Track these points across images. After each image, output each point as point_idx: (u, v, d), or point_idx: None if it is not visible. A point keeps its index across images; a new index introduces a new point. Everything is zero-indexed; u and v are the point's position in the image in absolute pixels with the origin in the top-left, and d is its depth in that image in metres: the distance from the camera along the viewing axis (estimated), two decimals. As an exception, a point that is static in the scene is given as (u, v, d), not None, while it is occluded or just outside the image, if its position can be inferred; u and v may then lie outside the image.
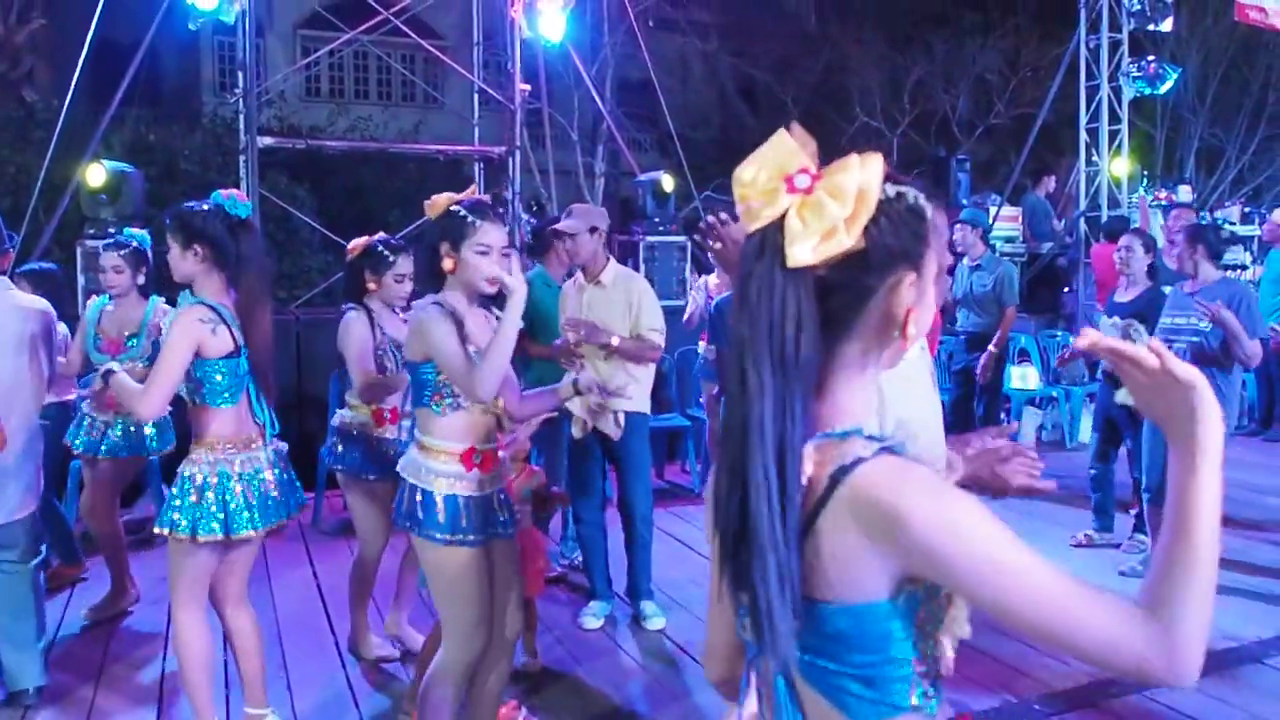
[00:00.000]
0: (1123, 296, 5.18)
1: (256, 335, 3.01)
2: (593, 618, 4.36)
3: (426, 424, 2.73)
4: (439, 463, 2.70)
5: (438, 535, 2.66)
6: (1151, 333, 4.66)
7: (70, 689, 3.76)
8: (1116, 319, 4.97)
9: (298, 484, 3.23)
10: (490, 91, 9.23)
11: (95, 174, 6.43)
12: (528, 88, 8.84)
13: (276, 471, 3.10)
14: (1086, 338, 1.12)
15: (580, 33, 10.78)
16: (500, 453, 2.86)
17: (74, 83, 7.21)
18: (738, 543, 1.11)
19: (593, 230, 4.32)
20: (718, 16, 18.25)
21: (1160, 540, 1.07)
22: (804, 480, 1.10)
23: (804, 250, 1.07)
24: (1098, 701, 3.55)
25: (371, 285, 3.85)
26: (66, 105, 7.38)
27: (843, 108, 17.06)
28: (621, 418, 4.31)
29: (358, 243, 3.91)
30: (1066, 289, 10.86)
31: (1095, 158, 10.93)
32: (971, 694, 3.56)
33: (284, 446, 3.21)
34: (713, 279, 6.32)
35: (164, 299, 4.59)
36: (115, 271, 4.45)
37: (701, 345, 6.13)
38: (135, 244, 4.54)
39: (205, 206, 3.00)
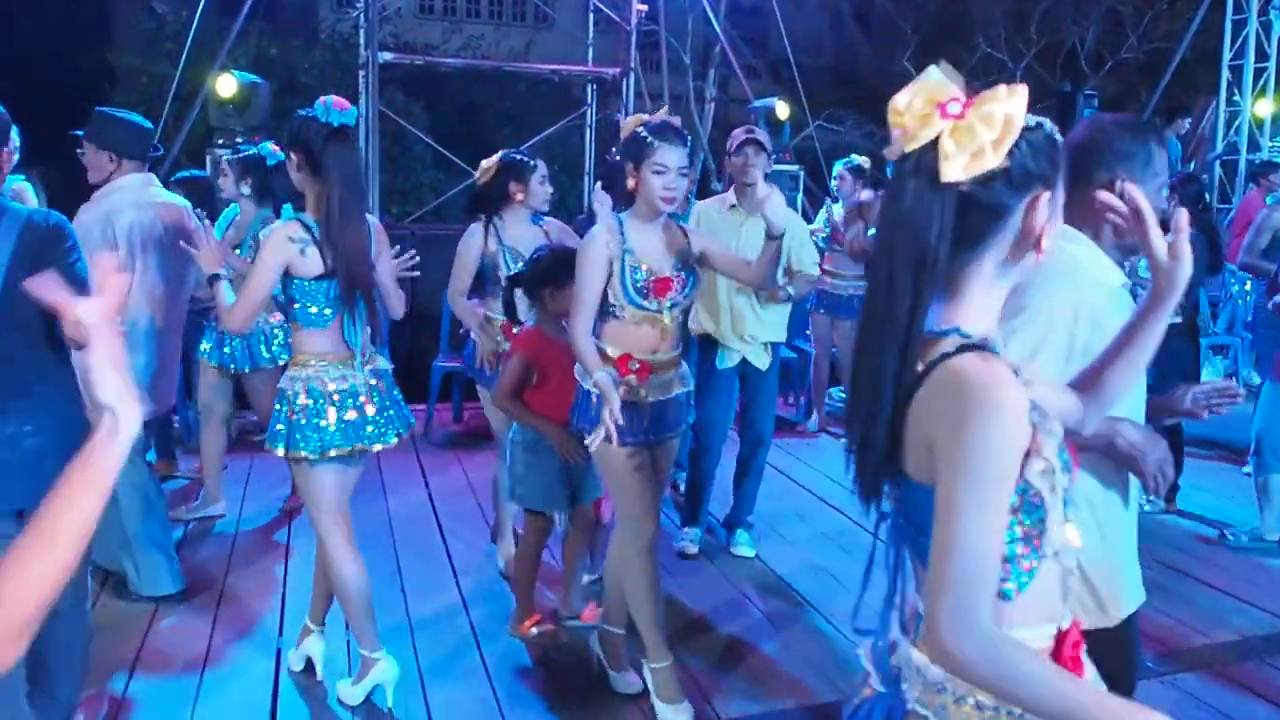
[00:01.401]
0: None
1: (337, 256, 2.82)
2: (692, 543, 4.39)
3: (598, 328, 2.96)
4: (602, 366, 2.87)
5: (589, 429, 2.82)
6: None
7: (194, 592, 3.86)
8: None
9: (403, 407, 3.07)
10: (606, 10, 9.11)
11: (226, 85, 6.57)
12: (644, 8, 8.70)
13: (375, 395, 2.96)
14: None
15: (697, -48, 10.55)
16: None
17: (205, -6, 7.36)
18: (864, 417, 1.32)
19: (770, 154, 4.31)
20: (837, -61, 17.64)
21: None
22: (920, 367, 1.28)
23: (955, 168, 1.24)
24: (1213, 664, 3.48)
25: (519, 195, 3.90)
26: (197, 18, 7.54)
27: (964, 37, 16.37)
28: (770, 348, 4.35)
29: (489, 162, 3.94)
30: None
31: (1236, 97, 10.32)
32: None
33: (385, 367, 3.04)
34: (838, 208, 6.27)
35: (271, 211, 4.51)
36: (222, 176, 4.62)
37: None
38: (242, 153, 4.66)
39: (305, 112, 2.88)
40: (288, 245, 2.80)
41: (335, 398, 2.88)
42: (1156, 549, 4.40)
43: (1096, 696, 1.20)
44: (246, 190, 4.55)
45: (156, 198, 3.85)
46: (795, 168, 7.97)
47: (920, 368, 1.27)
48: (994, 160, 1.24)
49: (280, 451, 2.89)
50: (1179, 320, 4.91)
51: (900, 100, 1.28)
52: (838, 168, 6.35)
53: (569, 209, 9.09)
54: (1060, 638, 1.34)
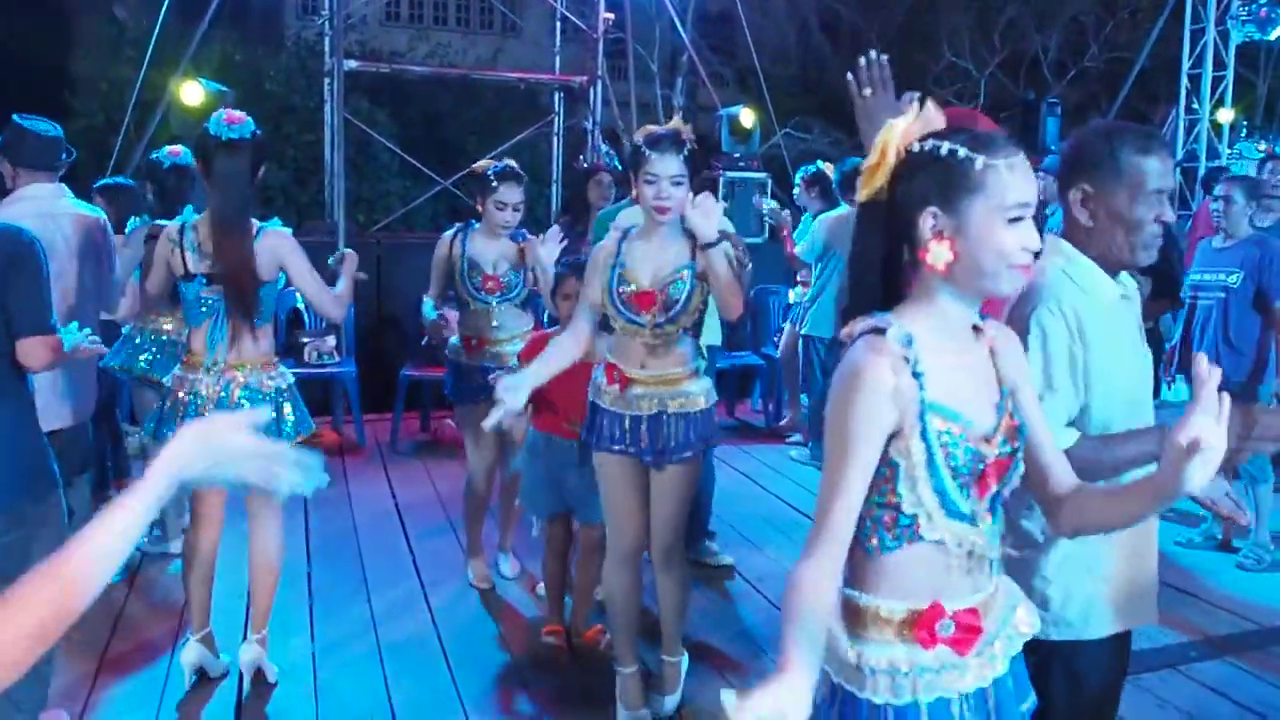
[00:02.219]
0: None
1: (220, 260, 2.98)
2: (717, 553, 4.34)
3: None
4: (599, 372, 2.96)
5: (586, 434, 2.96)
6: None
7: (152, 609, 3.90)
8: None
9: (278, 418, 3.08)
10: (573, 19, 9.12)
11: (192, 93, 6.47)
12: (611, 16, 8.71)
13: (222, 407, 2.97)
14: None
15: (664, -39, 10.57)
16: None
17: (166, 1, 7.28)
18: None
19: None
20: (804, -52, 17.75)
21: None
22: (844, 337, 1.47)
23: (859, 190, 1.48)
24: (1176, 664, 3.51)
25: (478, 206, 3.87)
26: (159, 24, 7.45)
27: (930, 47, 16.56)
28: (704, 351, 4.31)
29: (481, 164, 3.93)
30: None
31: (1195, 105, 10.49)
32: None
33: (248, 381, 3.05)
34: (834, 215, 5.92)
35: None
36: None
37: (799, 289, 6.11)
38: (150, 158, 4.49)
39: (205, 126, 3.03)
40: (164, 243, 3.08)
41: (198, 401, 3.02)
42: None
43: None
44: (150, 196, 4.40)
45: (68, 209, 3.62)
46: (763, 175, 7.99)
47: (848, 343, 1.45)
48: (878, 182, 1.45)
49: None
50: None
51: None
52: (798, 176, 6.27)
53: (537, 218, 9.07)
54: (918, 616, 1.45)
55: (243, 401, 3.02)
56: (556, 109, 9.28)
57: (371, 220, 10.79)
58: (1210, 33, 10.25)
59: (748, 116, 8.11)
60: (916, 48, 16.49)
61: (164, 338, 4.24)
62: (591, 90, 8.69)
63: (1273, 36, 10.39)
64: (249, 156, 3.02)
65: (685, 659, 3.23)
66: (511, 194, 3.78)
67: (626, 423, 2.89)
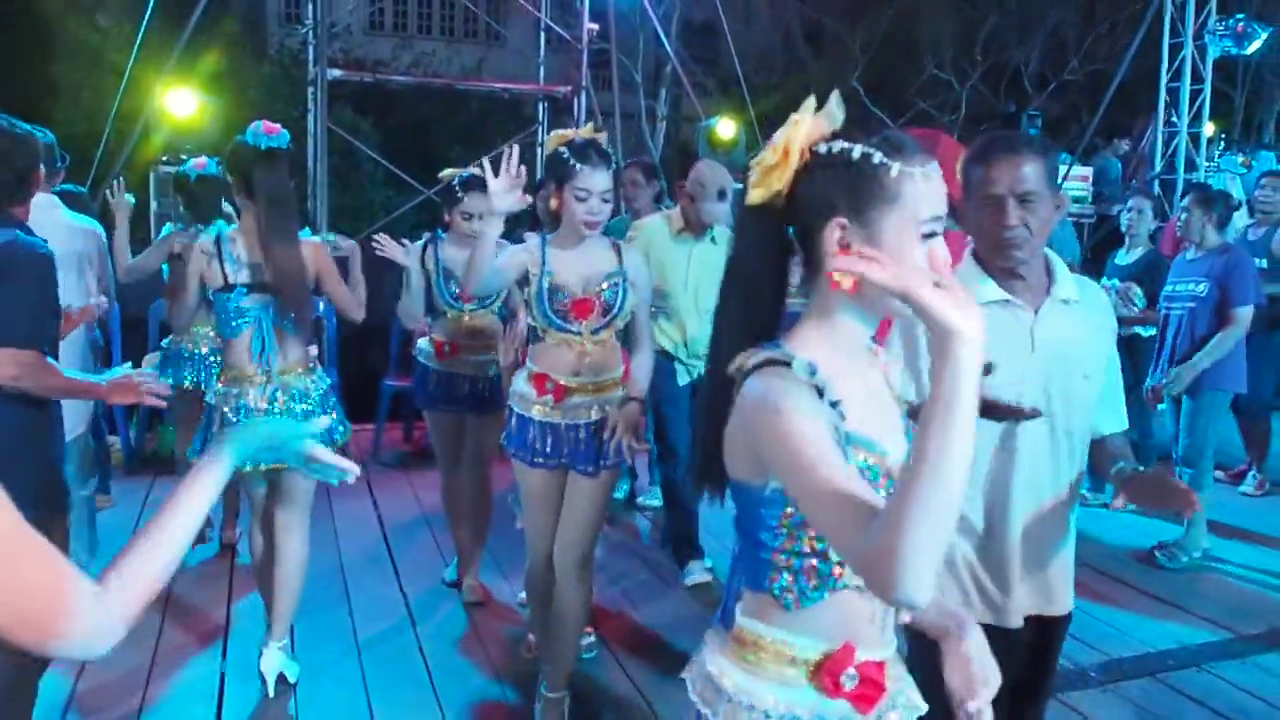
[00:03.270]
0: (1123, 259, 5.23)
1: (272, 268, 2.99)
2: (705, 572, 4.23)
3: (529, 349, 2.99)
4: (523, 384, 2.92)
5: (508, 447, 2.95)
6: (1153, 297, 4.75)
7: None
8: (1116, 280, 5.03)
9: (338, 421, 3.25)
10: (557, 29, 9.14)
11: (185, 103, 6.45)
12: (596, 27, 8.74)
13: (272, 412, 3.06)
14: None
15: (648, -28, 10.61)
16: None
17: (150, 7, 7.26)
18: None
19: (723, 192, 4.13)
20: (787, -41, 17.83)
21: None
22: (731, 371, 1.31)
23: (750, 191, 1.30)
24: (1155, 673, 3.54)
25: (446, 218, 3.88)
26: (141, 32, 7.43)
27: (912, 58, 16.65)
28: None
29: (446, 173, 3.95)
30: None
31: (1174, 119, 10.58)
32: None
33: (298, 386, 3.12)
34: None
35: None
36: (163, 196, 4.54)
37: None
38: (175, 173, 4.60)
39: (239, 138, 3.07)
40: (198, 257, 3.07)
41: (236, 412, 3.04)
42: (1092, 558, 4.48)
43: None
44: (183, 209, 4.54)
45: (59, 220, 3.61)
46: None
47: (735, 375, 1.30)
48: (777, 184, 1.27)
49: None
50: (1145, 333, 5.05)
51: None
52: None
53: (521, 225, 9.06)
54: (827, 659, 1.32)
55: (291, 408, 3.09)
56: (540, 119, 9.29)
57: (355, 229, 10.76)
58: (1188, 47, 10.35)
59: (726, 127, 8.14)
60: (899, 59, 16.59)
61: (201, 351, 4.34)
62: (575, 100, 8.71)
63: (1249, 51, 10.50)
64: (287, 165, 3.08)
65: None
66: (476, 204, 3.70)
67: (563, 433, 2.86)
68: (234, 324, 3.06)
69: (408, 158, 10.84)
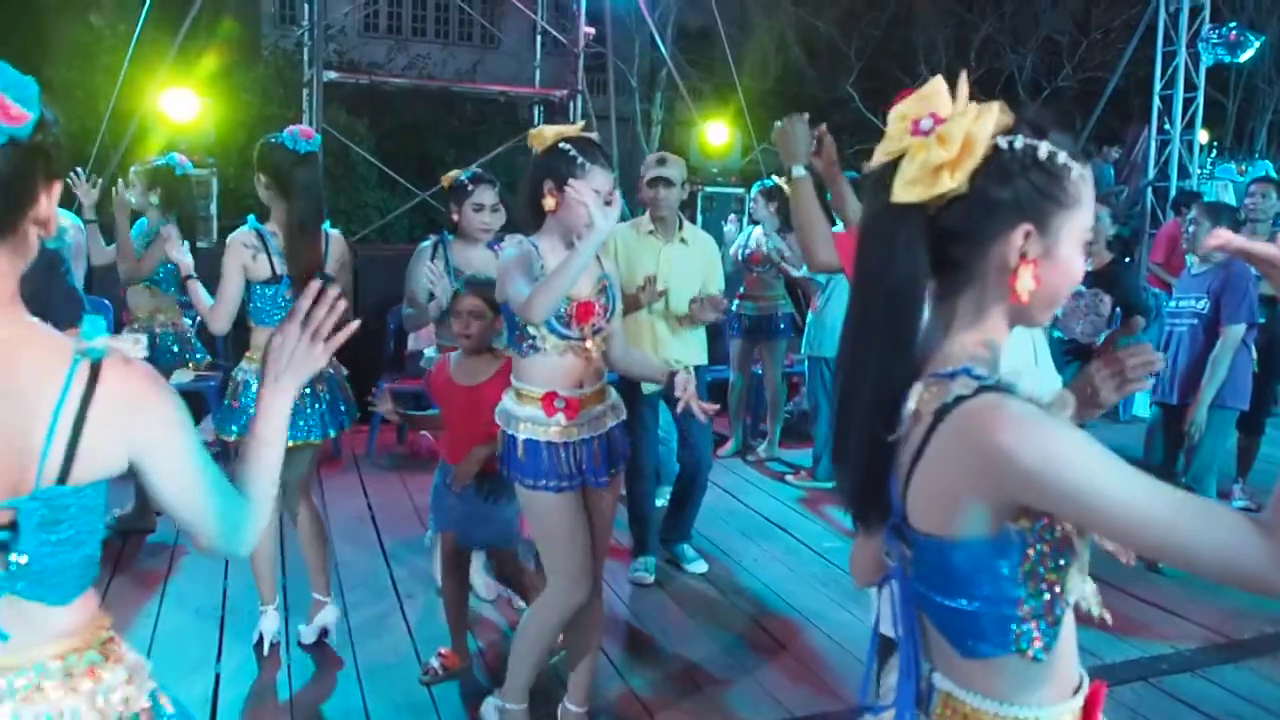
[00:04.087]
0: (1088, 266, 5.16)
1: (295, 264, 3.18)
2: (646, 573, 4.31)
3: (515, 367, 2.74)
4: (523, 407, 2.67)
5: (524, 479, 2.66)
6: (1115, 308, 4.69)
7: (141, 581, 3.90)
8: (1082, 288, 4.92)
9: (340, 413, 3.43)
10: (554, 33, 9.15)
11: (184, 104, 6.45)
12: (592, 31, 8.75)
13: (306, 397, 3.31)
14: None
15: (645, -24, 10.63)
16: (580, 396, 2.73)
17: (146, 7, 7.24)
18: (855, 455, 1.21)
19: (684, 183, 4.29)
20: (782, -36, 17.86)
21: None
22: (907, 415, 1.14)
23: (903, 189, 1.12)
24: (1148, 677, 3.55)
25: (454, 216, 3.90)
26: (138, 31, 7.41)
27: (906, 63, 16.70)
28: (692, 371, 4.29)
29: (448, 176, 3.97)
30: (1128, 259, 10.64)
31: (1167, 126, 10.63)
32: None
33: (329, 372, 3.40)
34: (759, 230, 6.00)
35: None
36: (129, 186, 4.54)
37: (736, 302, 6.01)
38: (156, 164, 4.62)
39: (273, 138, 3.28)
40: (242, 250, 3.19)
41: None
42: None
43: None
44: (155, 200, 4.56)
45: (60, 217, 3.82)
46: (741, 190, 8.04)
47: (924, 411, 1.14)
48: (950, 183, 1.12)
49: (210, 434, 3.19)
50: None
51: (897, 109, 1.18)
52: (754, 190, 6.27)
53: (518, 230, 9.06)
54: (1089, 700, 1.24)
55: (315, 388, 3.34)
56: (536, 122, 9.29)
57: (349, 231, 10.75)
58: (1181, 55, 10.39)
59: (719, 133, 8.17)
60: (893, 64, 16.64)
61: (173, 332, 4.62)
62: (571, 104, 8.72)
63: (1242, 59, 10.55)
64: (319, 167, 3.33)
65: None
66: (487, 195, 3.86)
67: (580, 451, 2.68)
68: (276, 315, 3.21)
69: (402, 160, 10.85)
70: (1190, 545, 1.02)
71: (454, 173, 3.97)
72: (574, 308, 2.64)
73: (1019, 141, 1.15)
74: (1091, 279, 4.98)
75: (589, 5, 8.84)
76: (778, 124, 2.67)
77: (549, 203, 2.61)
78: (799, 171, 2.64)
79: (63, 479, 1.22)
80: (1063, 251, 1.18)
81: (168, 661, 3.38)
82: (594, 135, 2.77)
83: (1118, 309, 4.73)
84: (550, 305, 2.48)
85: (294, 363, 1.49)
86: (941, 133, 1.12)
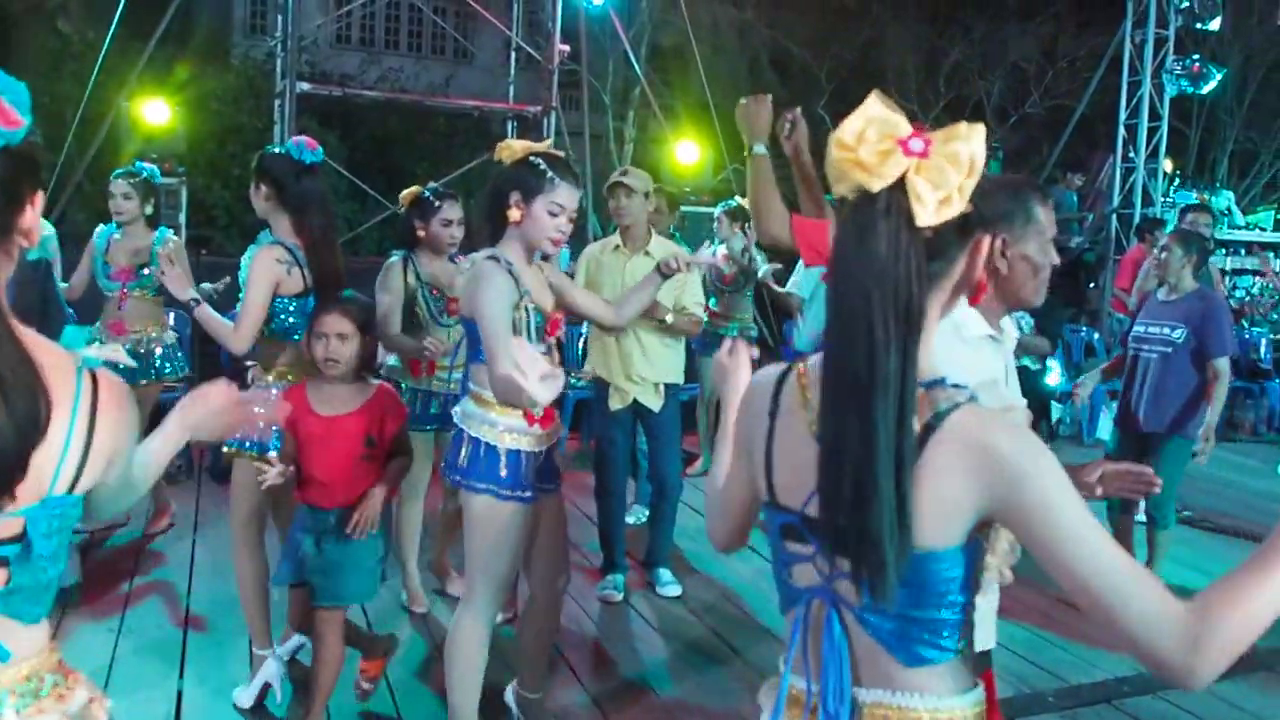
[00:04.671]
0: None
1: (321, 276, 3.12)
2: (615, 591, 4.31)
3: (483, 377, 2.61)
4: (504, 416, 2.62)
5: (500, 490, 2.62)
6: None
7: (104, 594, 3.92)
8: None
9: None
10: (528, 49, 9.16)
11: (158, 111, 6.38)
12: (567, 48, 8.77)
13: None
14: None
15: (619, -5, 10.69)
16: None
17: (118, 15, 7.18)
18: (854, 496, 1.17)
19: (647, 194, 4.27)
20: (756, -14, 18.02)
21: (1250, 559, 1.10)
22: (917, 427, 1.17)
23: (928, 212, 1.16)
24: (1111, 699, 3.57)
25: (420, 232, 3.85)
26: (109, 39, 7.34)
27: (877, 87, 16.78)
28: (662, 389, 4.28)
29: (408, 192, 3.94)
30: (1092, 284, 10.80)
31: (1131, 154, 10.82)
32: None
33: None
34: (722, 249, 5.97)
35: (173, 232, 4.79)
36: (124, 198, 4.54)
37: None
38: (144, 174, 4.61)
39: (276, 149, 3.22)
40: (275, 266, 3.06)
41: None
42: (1054, 585, 4.53)
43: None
44: (149, 211, 4.59)
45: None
46: (714, 209, 8.06)
47: (918, 425, 1.17)
48: (961, 204, 1.18)
49: (238, 451, 3.10)
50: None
51: (850, 131, 1.19)
52: (717, 210, 6.28)
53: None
54: (986, 683, 1.31)
55: None
56: (509, 137, 9.28)
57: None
58: (1146, 85, 10.60)
59: (690, 152, 8.22)
60: (863, 87, 16.64)
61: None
62: (545, 120, 8.72)
63: (1204, 91, 10.77)
64: (322, 178, 3.23)
65: None
66: (454, 210, 3.86)
67: (553, 458, 2.79)
68: (298, 327, 3.09)
69: (373, 173, 10.78)
70: (1118, 601, 1.09)
71: (416, 188, 3.95)
72: (545, 323, 2.72)
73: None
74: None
75: (564, 22, 8.87)
76: (742, 101, 2.69)
77: (514, 214, 2.63)
78: (759, 149, 2.66)
79: (72, 488, 1.24)
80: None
81: (127, 682, 3.33)
82: (562, 153, 2.77)
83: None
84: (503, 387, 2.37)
85: (213, 423, 1.60)
86: (949, 153, 1.16)
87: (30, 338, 1.23)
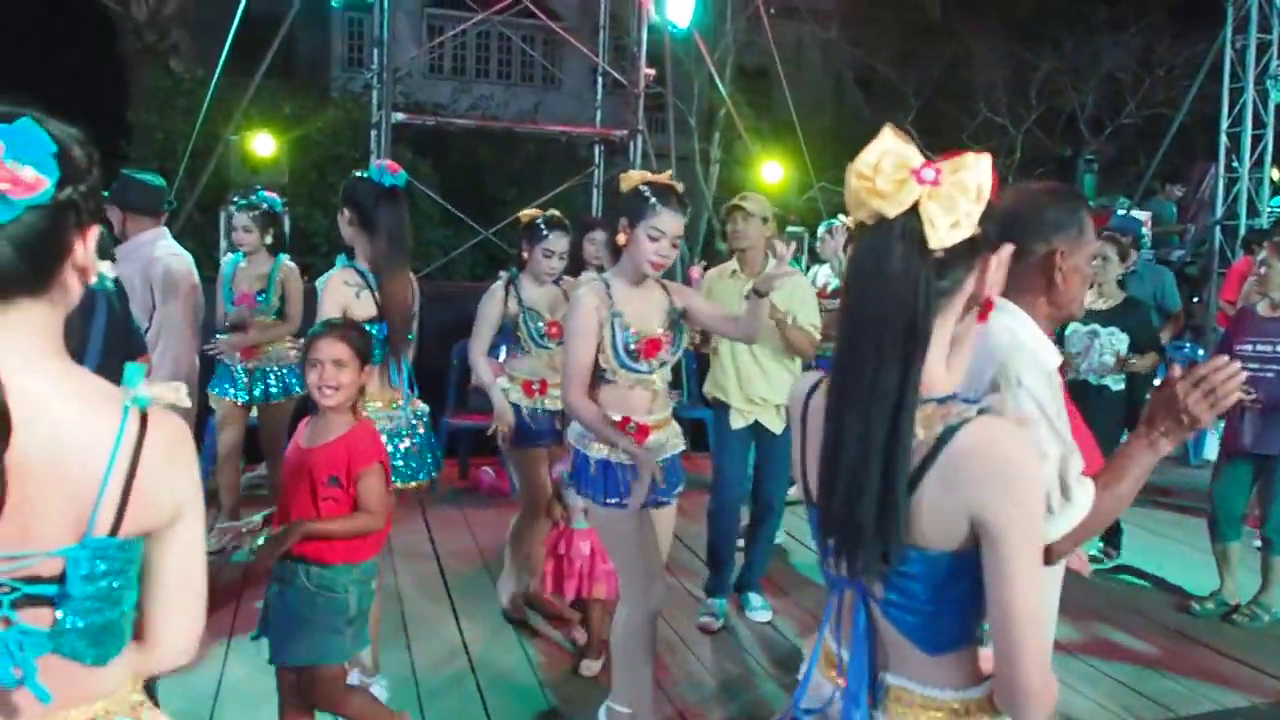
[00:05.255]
0: (1098, 305, 4.80)
1: (384, 300, 3.16)
2: (713, 618, 4.23)
3: (592, 395, 2.87)
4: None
5: (599, 497, 2.87)
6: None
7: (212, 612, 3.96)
8: (1096, 326, 4.74)
9: (436, 450, 3.41)
10: (614, 74, 9.30)
11: (264, 144, 6.66)
12: (653, 72, 8.87)
13: (416, 435, 3.29)
14: None
15: (702, 18, 10.77)
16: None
17: (225, 54, 7.52)
18: (847, 489, 1.31)
19: (765, 219, 4.18)
20: (839, 4, 18.01)
21: None
22: (916, 439, 1.28)
23: (940, 236, 1.26)
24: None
25: (524, 254, 3.93)
26: (217, 76, 7.69)
27: (964, 102, 16.67)
28: (783, 411, 4.21)
29: (527, 213, 4.00)
30: (1196, 298, 10.44)
31: (1235, 163, 10.46)
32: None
33: (424, 409, 3.40)
34: (825, 269, 6.02)
35: (288, 258, 4.93)
36: (245, 231, 4.75)
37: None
38: (265, 206, 4.81)
39: (360, 174, 3.28)
40: (344, 289, 3.14)
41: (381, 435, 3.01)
42: (1162, 614, 4.41)
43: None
44: (269, 240, 4.80)
45: (173, 249, 4.23)
46: (800, 229, 8.07)
47: (925, 435, 1.28)
48: (970, 228, 1.28)
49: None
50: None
51: (866, 163, 1.30)
52: (821, 229, 6.24)
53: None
54: None
55: (426, 432, 3.34)
56: (596, 161, 9.42)
57: (413, 269, 10.95)
58: (1249, 91, 10.24)
59: (774, 171, 8.25)
60: (951, 104, 16.61)
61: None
62: (631, 144, 8.83)
63: (1312, 96, 10.36)
64: (406, 203, 3.26)
65: None
66: (559, 243, 3.89)
67: (656, 473, 2.84)
68: (378, 352, 3.09)
69: (465, 198, 11.04)
70: (1028, 635, 1.25)
71: (532, 212, 4.00)
72: (643, 344, 2.82)
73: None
74: (1104, 317, 4.76)
75: (649, 46, 8.97)
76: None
77: (621, 238, 2.81)
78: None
79: (114, 530, 1.19)
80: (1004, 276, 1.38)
81: (232, 710, 3.45)
82: (673, 182, 2.84)
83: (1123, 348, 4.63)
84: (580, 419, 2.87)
85: None
86: (958, 182, 1.27)
87: (74, 376, 1.22)
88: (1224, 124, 10.48)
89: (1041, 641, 1.26)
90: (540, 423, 3.92)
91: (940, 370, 1.34)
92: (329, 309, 3.11)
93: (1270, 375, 4.30)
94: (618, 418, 2.85)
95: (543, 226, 3.89)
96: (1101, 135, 16.87)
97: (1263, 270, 4.41)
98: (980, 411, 1.28)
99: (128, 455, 1.18)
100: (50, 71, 14.25)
